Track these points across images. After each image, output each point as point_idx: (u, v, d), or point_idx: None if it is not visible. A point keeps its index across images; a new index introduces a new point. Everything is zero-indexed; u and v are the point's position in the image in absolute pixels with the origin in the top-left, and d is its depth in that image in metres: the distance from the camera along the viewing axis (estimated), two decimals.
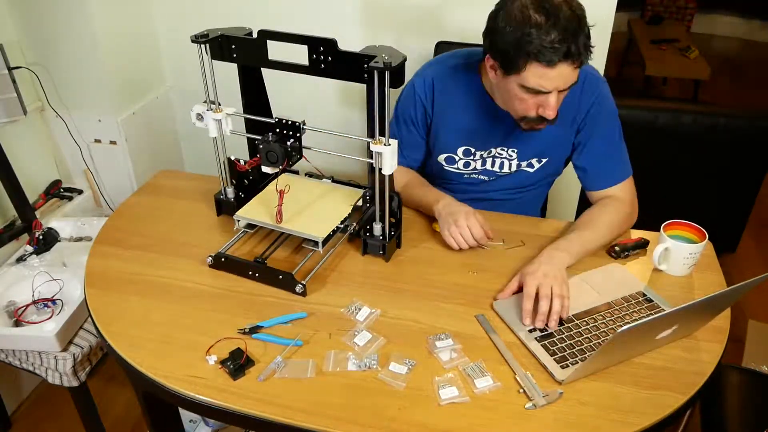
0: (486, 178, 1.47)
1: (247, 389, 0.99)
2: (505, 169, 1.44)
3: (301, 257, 1.27)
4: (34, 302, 1.54)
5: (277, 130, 1.21)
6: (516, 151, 1.40)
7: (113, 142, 2.02)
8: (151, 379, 1.02)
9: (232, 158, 1.31)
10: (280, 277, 1.18)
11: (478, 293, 1.19)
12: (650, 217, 1.37)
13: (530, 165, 1.43)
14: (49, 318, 1.50)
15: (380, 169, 1.16)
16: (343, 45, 1.13)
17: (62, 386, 1.51)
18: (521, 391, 0.98)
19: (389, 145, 1.13)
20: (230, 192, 1.36)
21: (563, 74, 1.14)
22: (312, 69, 1.17)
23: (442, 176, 1.51)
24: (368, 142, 1.15)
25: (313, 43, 1.14)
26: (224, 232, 1.35)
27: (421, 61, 2.02)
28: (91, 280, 1.23)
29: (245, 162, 1.29)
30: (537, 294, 1.11)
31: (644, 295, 1.17)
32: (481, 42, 1.99)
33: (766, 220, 2.90)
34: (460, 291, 1.20)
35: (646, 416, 0.94)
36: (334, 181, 1.42)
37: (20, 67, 1.82)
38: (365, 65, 1.08)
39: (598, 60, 1.87)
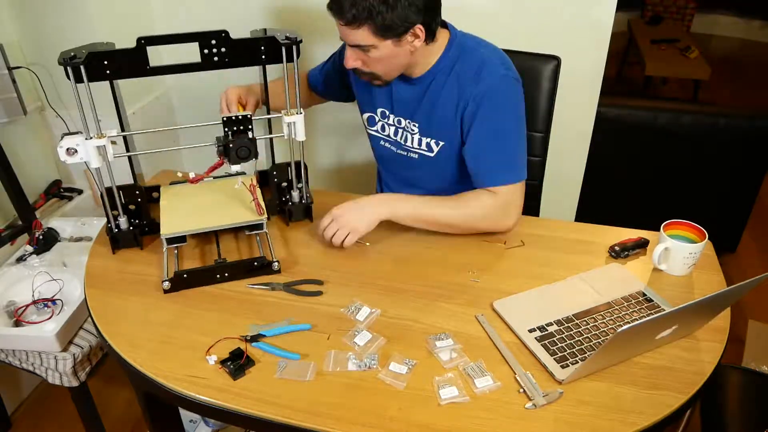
0: (395, 150, 1.48)
1: (247, 389, 0.99)
2: (409, 143, 1.44)
3: (244, 247, 1.31)
4: (34, 302, 1.54)
5: (234, 128, 1.20)
6: (417, 125, 1.40)
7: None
8: (151, 379, 1.02)
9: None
10: (255, 263, 1.20)
11: (478, 293, 1.19)
12: (650, 217, 1.37)
13: (429, 147, 1.41)
14: (49, 318, 1.50)
15: (296, 136, 1.24)
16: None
17: (62, 386, 1.51)
18: (521, 390, 0.98)
19: (301, 113, 1.23)
20: (124, 222, 1.27)
21: (339, 27, 1.23)
22: (205, 65, 1.18)
23: (371, 143, 1.56)
24: (282, 116, 1.23)
25: (203, 38, 1.15)
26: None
27: None
28: (91, 280, 1.23)
29: (194, 174, 1.30)
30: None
31: (644, 294, 1.17)
32: (521, 38, 1.88)
33: (766, 220, 2.90)
34: (460, 291, 1.20)
35: (646, 416, 0.94)
36: (215, 177, 1.42)
37: (20, 67, 1.82)
38: (279, 45, 1.20)
39: (598, 60, 1.87)
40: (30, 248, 1.71)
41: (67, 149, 1.11)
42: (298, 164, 1.35)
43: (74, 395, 1.56)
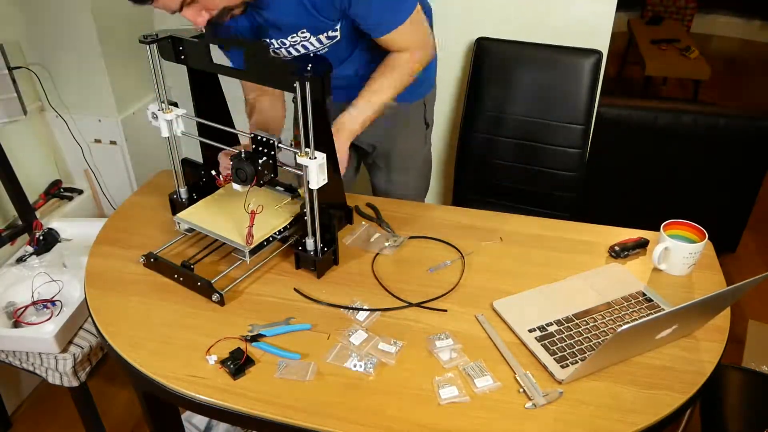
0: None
1: (247, 389, 0.99)
2: (311, 47, 1.37)
3: (228, 263, 1.25)
4: (34, 303, 1.54)
5: (258, 147, 1.17)
6: (306, 29, 1.32)
7: (113, 142, 2.03)
8: (151, 379, 1.02)
9: (190, 162, 1.30)
10: (199, 284, 1.16)
11: (478, 293, 1.19)
12: (650, 217, 1.37)
13: (330, 37, 1.36)
14: (49, 319, 1.50)
15: (308, 182, 1.12)
16: None
17: (62, 386, 1.51)
18: (521, 390, 0.98)
19: (315, 158, 1.09)
20: (183, 192, 1.37)
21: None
22: (250, 75, 1.15)
23: None
24: (295, 153, 1.11)
25: (249, 48, 1.12)
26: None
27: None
28: (91, 281, 1.23)
29: (223, 177, 1.29)
30: None
31: (644, 294, 1.17)
32: (519, 39, 1.84)
33: (766, 220, 2.90)
34: (461, 291, 1.20)
35: (646, 416, 0.94)
36: (288, 189, 1.38)
37: (20, 67, 1.82)
38: (290, 74, 1.05)
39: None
40: (30, 249, 1.71)
41: (152, 113, 1.28)
42: (312, 212, 1.19)
43: (74, 395, 1.56)
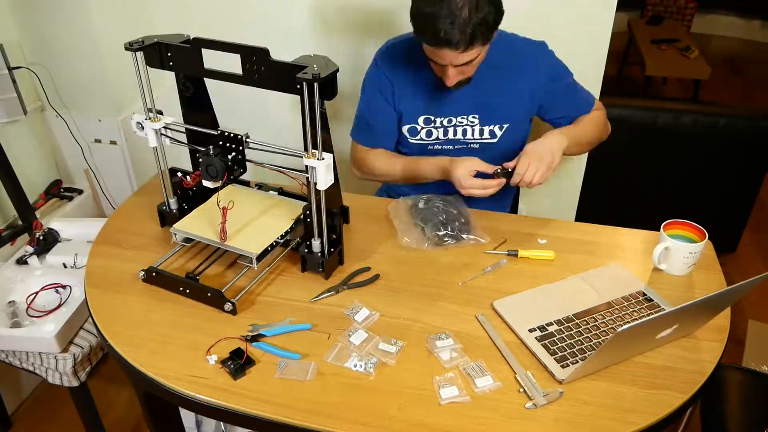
0: (451, 147, 1.51)
1: (248, 389, 0.99)
2: (469, 136, 1.49)
3: (237, 273, 1.22)
4: (33, 303, 1.54)
5: (220, 142, 1.18)
6: (477, 116, 1.47)
7: (113, 142, 2.02)
8: (152, 379, 1.02)
9: (177, 170, 1.29)
10: (209, 294, 1.14)
11: (478, 293, 1.19)
12: (650, 217, 1.37)
13: (492, 133, 1.49)
14: (49, 319, 1.50)
15: (315, 184, 1.11)
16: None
17: (62, 386, 1.51)
18: (521, 390, 0.98)
19: (323, 159, 1.08)
20: (173, 203, 1.34)
21: (448, 56, 1.26)
22: (246, 79, 1.12)
23: (410, 153, 1.55)
24: (302, 156, 1.10)
25: (245, 52, 1.09)
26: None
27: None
28: (91, 280, 1.23)
29: (189, 176, 1.26)
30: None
31: (644, 294, 1.17)
32: None
33: (766, 220, 2.90)
34: (460, 291, 1.20)
35: (647, 416, 0.94)
36: (281, 193, 1.38)
37: (20, 67, 1.82)
38: (295, 76, 1.04)
39: (598, 60, 1.87)
40: (30, 249, 1.71)
41: (137, 123, 1.25)
42: (330, 214, 1.19)
43: (74, 395, 1.56)
